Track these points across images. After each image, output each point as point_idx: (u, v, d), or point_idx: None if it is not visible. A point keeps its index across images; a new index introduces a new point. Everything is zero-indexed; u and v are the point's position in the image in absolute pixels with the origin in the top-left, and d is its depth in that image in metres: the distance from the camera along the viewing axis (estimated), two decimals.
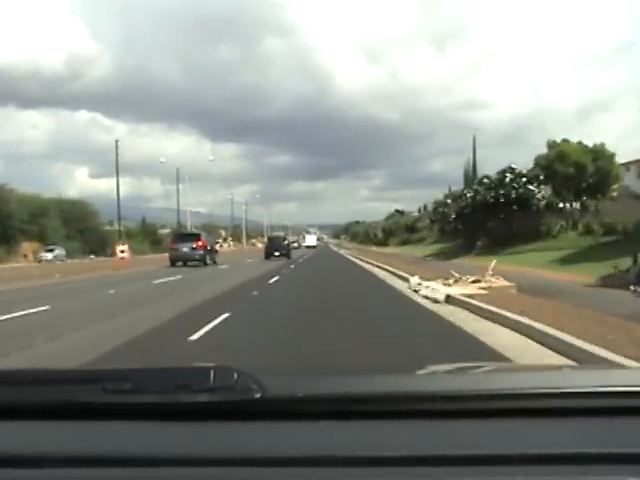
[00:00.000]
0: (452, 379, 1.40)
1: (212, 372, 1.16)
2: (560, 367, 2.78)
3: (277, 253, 41.16)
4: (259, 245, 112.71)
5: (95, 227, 67.43)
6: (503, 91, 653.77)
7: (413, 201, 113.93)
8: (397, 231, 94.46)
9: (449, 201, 53.21)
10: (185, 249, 31.93)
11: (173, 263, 31.65)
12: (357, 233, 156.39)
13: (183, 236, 34.71)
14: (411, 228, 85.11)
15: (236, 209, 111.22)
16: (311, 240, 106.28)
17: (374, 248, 77.71)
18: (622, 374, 1.48)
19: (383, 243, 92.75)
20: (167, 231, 77.64)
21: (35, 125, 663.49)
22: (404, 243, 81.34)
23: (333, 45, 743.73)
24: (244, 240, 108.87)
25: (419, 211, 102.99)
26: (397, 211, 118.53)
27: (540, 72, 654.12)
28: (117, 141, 62.57)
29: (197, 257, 31.99)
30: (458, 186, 63.55)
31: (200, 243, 32.51)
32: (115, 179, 54.92)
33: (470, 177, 66.15)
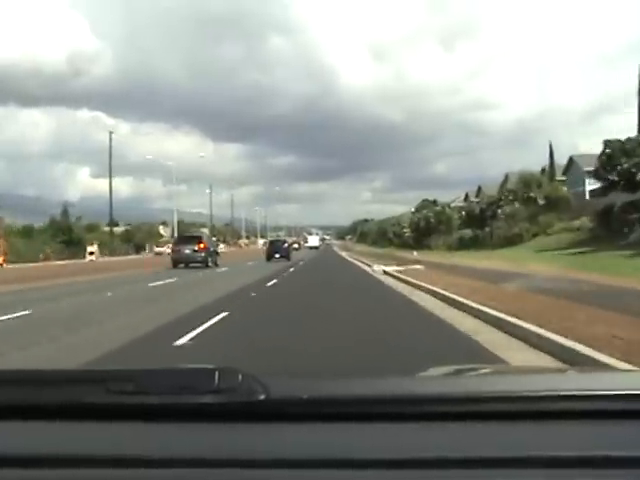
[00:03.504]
0: (452, 382, 1.40)
1: (216, 374, 1.15)
2: (560, 370, 2.72)
3: (277, 255, 43.47)
4: (221, 246, 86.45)
5: None
6: (510, 92, 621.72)
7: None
8: (439, 227, 61.28)
9: None
10: (187, 251, 32.15)
11: (175, 265, 31.80)
12: (366, 233, 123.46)
13: (185, 238, 34.88)
14: (480, 220, 50.25)
15: (236, 210, 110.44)
16: (313, 241, 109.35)
17: (415, 254, 44.36)
18: (622, 377, 1.50)
19: (414, 245, 59.53)
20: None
21: (37, 123, 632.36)
22: (463, 246, 48.37)
23: (338, 44, 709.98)
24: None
25: (466, 198, 70.13)
26: (426, 200, 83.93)
27: (547, 73, 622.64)
28: None
29: (199, 259, 32.21)
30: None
31: (202, 245, 32.72)
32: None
33: None
